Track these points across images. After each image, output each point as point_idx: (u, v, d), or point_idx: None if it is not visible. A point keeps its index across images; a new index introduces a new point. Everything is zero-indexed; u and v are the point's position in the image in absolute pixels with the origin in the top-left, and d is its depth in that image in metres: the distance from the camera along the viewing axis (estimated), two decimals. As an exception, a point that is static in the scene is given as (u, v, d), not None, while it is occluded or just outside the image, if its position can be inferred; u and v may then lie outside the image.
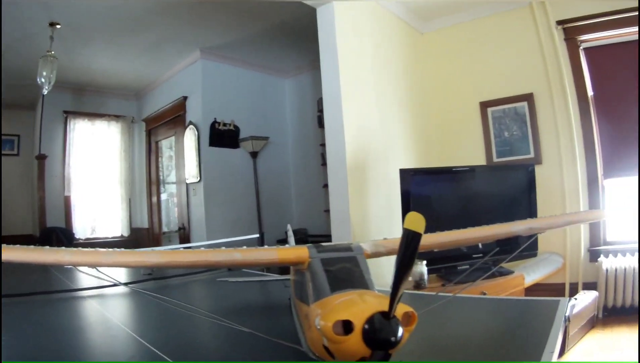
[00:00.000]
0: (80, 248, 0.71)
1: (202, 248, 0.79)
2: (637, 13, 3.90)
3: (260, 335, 0.81)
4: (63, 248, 0.71)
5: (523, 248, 0.87)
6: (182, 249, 0.78)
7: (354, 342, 0.58)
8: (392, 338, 0.57)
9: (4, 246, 0.67)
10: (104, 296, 1.67)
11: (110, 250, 0.72)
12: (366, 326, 0.57)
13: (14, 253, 0.68)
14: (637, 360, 2.73)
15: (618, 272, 3.92)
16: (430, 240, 0.89)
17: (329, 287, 0.69)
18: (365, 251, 0.80)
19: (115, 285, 1.66)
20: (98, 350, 1.05)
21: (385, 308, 0.58)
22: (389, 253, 0.80)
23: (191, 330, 1.13)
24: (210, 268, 2.08)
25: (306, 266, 0.76)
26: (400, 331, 0.58)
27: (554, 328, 0.94)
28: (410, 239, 0.56)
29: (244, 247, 0.82)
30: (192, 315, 1.13)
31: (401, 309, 0.60)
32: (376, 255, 0.83)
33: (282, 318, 1.12)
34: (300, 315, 0.80)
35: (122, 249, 0.74)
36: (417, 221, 0.56)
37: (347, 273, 0.73)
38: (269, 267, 1.90)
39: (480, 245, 0.94)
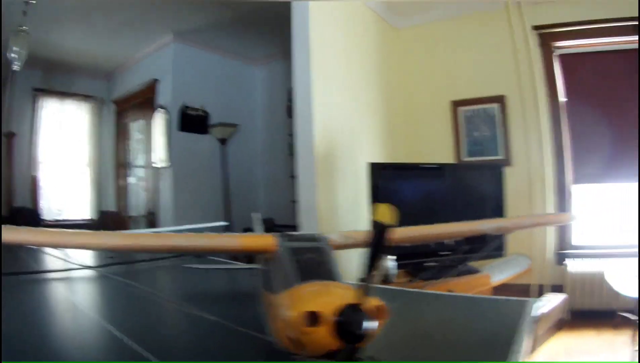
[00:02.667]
0: (43, 228, 0.68)
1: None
2: (614, 24, 3.96)
3: (227, 323, 0.79)
4: (26, 227, 0.68)
5: (490, 247, 0.86)
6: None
7: (323, 334, 0.57)
8: (363, 331, 0.56)
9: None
10: (69, 279, 1.63)
11: (74, 230, 0.70)
12: (338, 318, 0.57)
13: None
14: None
15: (585, 276, 3.99)
16: (401, 234, 0.88)
17: (295, 277, 0.68)
18: (332, 242, 0.79)
19: (81, 268, 1.63)
20: (59, 333, 1.02)
21: (355, 300, 0.57)
22: (356, 245, 0.79)
23: (154, 315, 1.11)
24: (176, 254, 2.05)
25: (273, 255, 0.75)
26: (373, 323, 0.57)
27: (521, 328, 0.94)
28: (381, 231, 0.55)
29: (208, 233, 0.80)
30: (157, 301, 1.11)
31: (371, 302, 0.59)
32: (344, 246, 0.82)
33: (247, 306, 1.11)
34: (266, 304, 0.79)
35: (86, 230, 0.72)
36: (387, 213, 0.55)
37: (314, 263, 0.72)
38: (236, 256, 1.88)
39: (446, 242, 0.94)
